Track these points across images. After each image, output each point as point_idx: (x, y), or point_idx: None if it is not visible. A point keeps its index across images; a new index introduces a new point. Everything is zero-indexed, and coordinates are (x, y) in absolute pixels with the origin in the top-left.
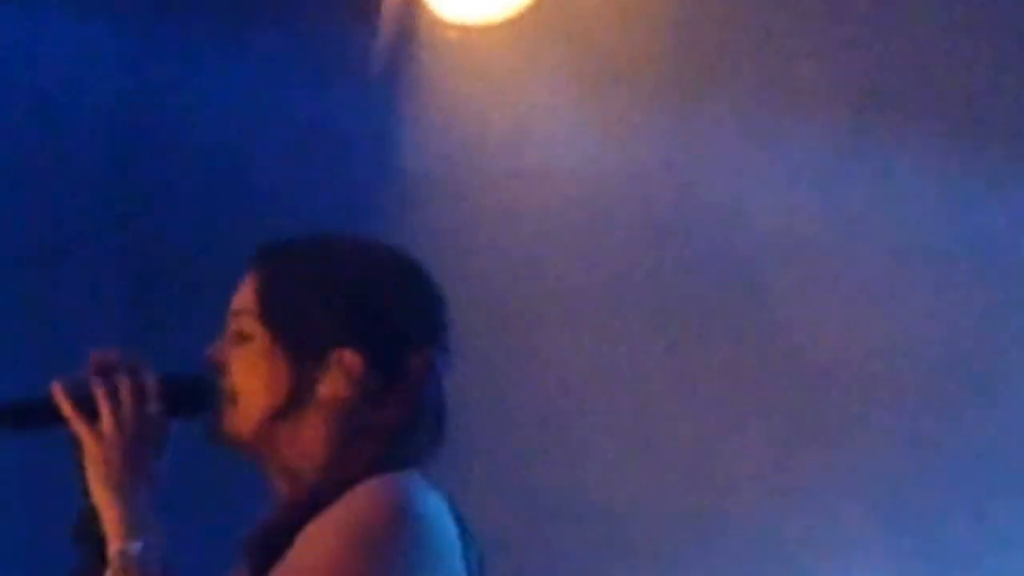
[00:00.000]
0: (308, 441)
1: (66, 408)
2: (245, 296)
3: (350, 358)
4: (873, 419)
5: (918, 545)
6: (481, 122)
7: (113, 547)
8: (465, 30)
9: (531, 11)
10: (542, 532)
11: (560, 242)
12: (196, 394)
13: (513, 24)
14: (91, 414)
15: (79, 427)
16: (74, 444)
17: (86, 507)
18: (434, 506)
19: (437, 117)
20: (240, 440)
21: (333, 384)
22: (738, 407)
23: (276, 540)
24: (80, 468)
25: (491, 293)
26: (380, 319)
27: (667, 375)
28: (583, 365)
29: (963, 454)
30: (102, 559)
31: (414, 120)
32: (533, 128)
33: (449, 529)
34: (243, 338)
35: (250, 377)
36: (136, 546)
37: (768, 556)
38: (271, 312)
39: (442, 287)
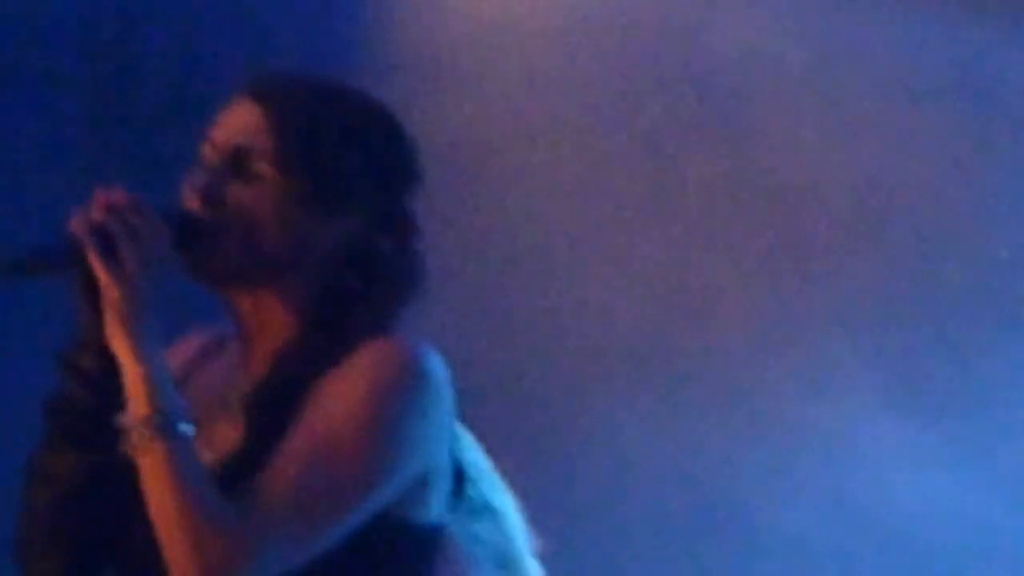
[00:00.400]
0: (306, 293)
1: (91, 249)
2: (250, 131)
3: (359, 214)
4: (858, 254)
5: (904, 383)
6: None
7: (139, 408)
8: None
9: None
10: (519, 356)
11: (539, 65)
12: (193, 230)
13: None
14: (113, 256)
15: (104, 268)
16: (80, 285)
17: (82, 338)
18: (442, 370)
19: None
20: (231, 279)
21: (334, 233)
22: (722, 241)
23: (275, 396)
24: (83, 313)
25: (472, 121)
26: (387, 171)
27: (649, 205)
28: (564, 189)
29: (950, 290)
30: (90, 392)
31: None
32: None
33: (450, 393)
34: (251, 177)
35: (256, 219)
36: (164, 410)
37: (750, 392)
38: (291, 158)
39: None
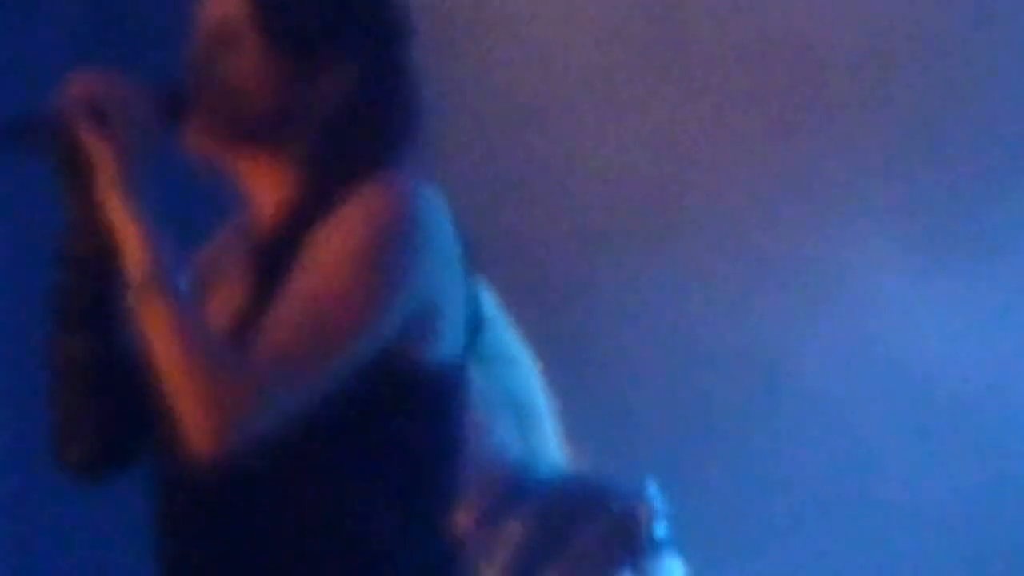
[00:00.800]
0: (300, 147)
1: (80, 115)
2: (228, 1)
3: (346, 57)
4: (870, 99)
5: (924, 229)
6: None
7: (139, 267)
8: None
9: None
10: (524, 212)
11: None
12: (180, 102)
13: None
14: (103, 123)
15: (94, 133)
16: (65, 165)
17: (70, 225)
18: (439, 207)
19: None
20: (228, 147)
21: (328, 86)
22: (731, 94)
23: (282, 244)
24: (69, 194)
25: None
26: (369, 18)
27: (656, 59)
28: (571, 44)
29: (963, 134)
30: (87, 276)
31: None
32: None
33: (451, 229)
34: (234, 43)
35: (243, 80)
36: (163, 264)
37: (768, 243)
38: (265, 15)
39: None
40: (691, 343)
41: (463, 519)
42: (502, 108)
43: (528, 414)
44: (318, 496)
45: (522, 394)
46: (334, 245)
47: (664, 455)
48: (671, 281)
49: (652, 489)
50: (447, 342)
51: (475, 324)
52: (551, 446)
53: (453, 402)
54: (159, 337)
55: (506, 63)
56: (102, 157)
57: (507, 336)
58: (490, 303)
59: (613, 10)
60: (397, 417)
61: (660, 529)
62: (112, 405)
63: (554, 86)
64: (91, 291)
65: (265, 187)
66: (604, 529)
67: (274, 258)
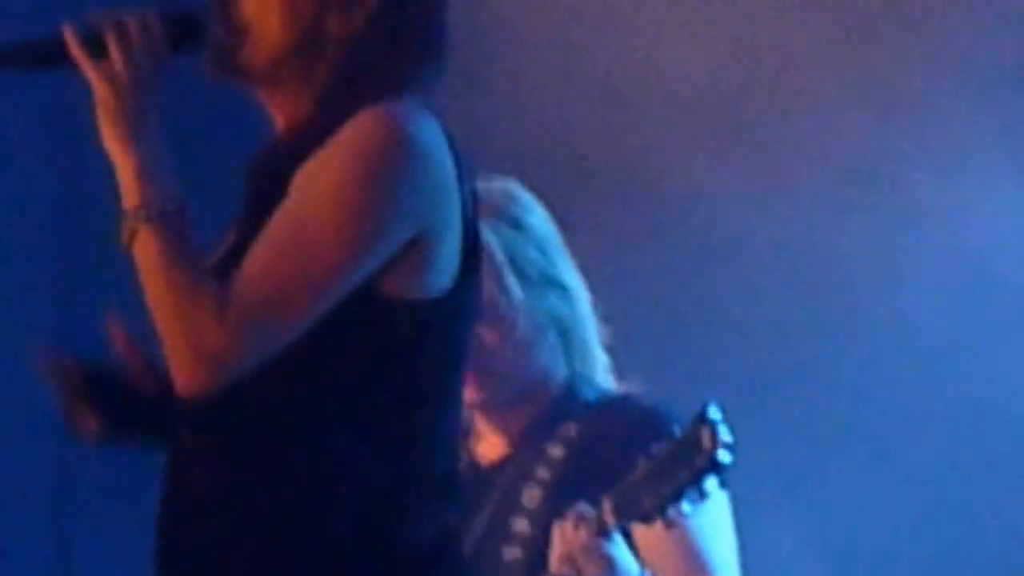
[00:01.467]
0: (316, 75)
1: (75, 48)
2: None
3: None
4: (961, 19)
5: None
6: None
7: (131, 200)
8: None
9: None
10: (584, 116)
11: None
12: (197, 28)
13: None
14: (101, 55)
15: (88, 67)
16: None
17: None
18: (435, 134)
19: None
20: (250, 71)
21: (346, 19)
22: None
23: (276, 171)
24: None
25: None
26: None
27: None
28: None
29: None
30: None
31: None
32: None
33: (446, 155)
34: None
35: (265, 9)
36: (155, 196)
37: (853, 162)
38: None
39: None
40: (771, 265)
41: (504, 438)
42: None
43: (575, 339)
44: (303, 429)
45: (570, 320)
46: (321, 171)
47: (736, 380)
48: (745, 193)
49: (715, 414)
50: (439, 270)
51: (473, 250)
52: (598, 372)
53: (433, 344)
54: (148, 270)
55: None
56: (99, 92)
57: (560, 262)
58: (546, 226)
59: None
60: (383, 350)
61: (724, 455)
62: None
63: None
64: None
65: (293, 115)
66: (667, 451)
67: (268, 184)
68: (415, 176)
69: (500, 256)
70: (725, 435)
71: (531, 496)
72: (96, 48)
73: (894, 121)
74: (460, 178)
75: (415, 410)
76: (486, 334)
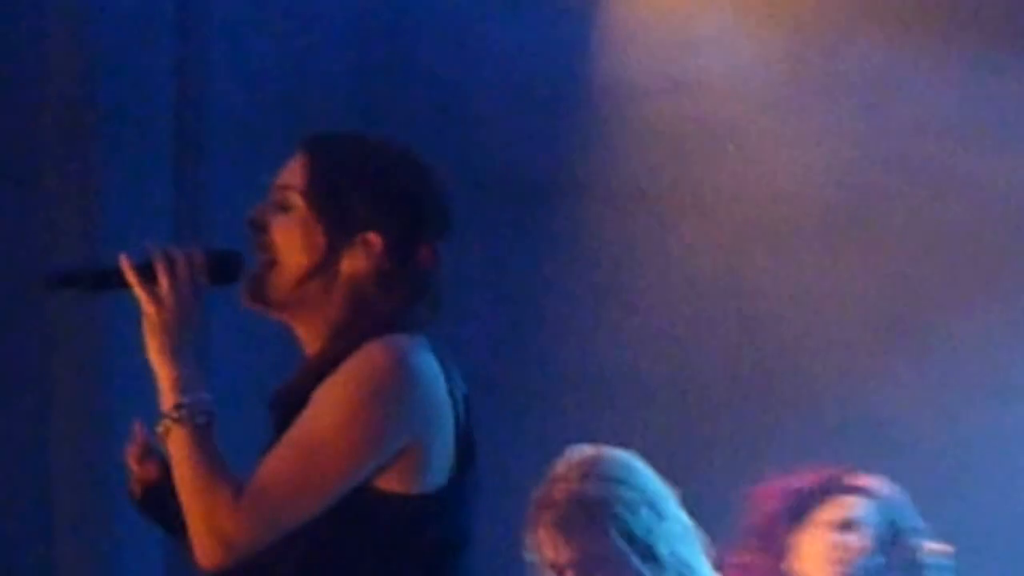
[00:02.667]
0: (329, 306)
1: (130, 275)
2: (293, 173)
3: (373, 240)
4: None
5: None
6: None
7: (167, 403)
8: None
9: None
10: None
11: None
12: (233, 265)
13: None
14: (151, 281)
15: (140, 290)
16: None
17: None
18: (426, 361)
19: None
20: (275, 299)
21: (355, 260)
22: None
23: (297, 393)
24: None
25: None
26: (402, 213)
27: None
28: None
29: None
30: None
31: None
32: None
33: (438, 378)
34: (286, 207)
35: (287, 241)
36: (187, 401)
37: None
38: (315, 190)
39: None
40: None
41: None
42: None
43: None
44: None
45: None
46: (328, 398)
47: None
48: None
49: None
50: (433, 470)
51: (464, 461)
52: None
53: (434, 529)
54: (177, 461)
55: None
56: (147, 312)
57: (691, 547)
58: (679, 514)
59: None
60: (380, 543)
61: None
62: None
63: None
64: None
65: (310, 340)
66: None
67: (291, 402)
68: (408, 397)
69: (613, 515)
70: None
71: None
72: (148, 274)
73: None
74: (452, 394)
75: None
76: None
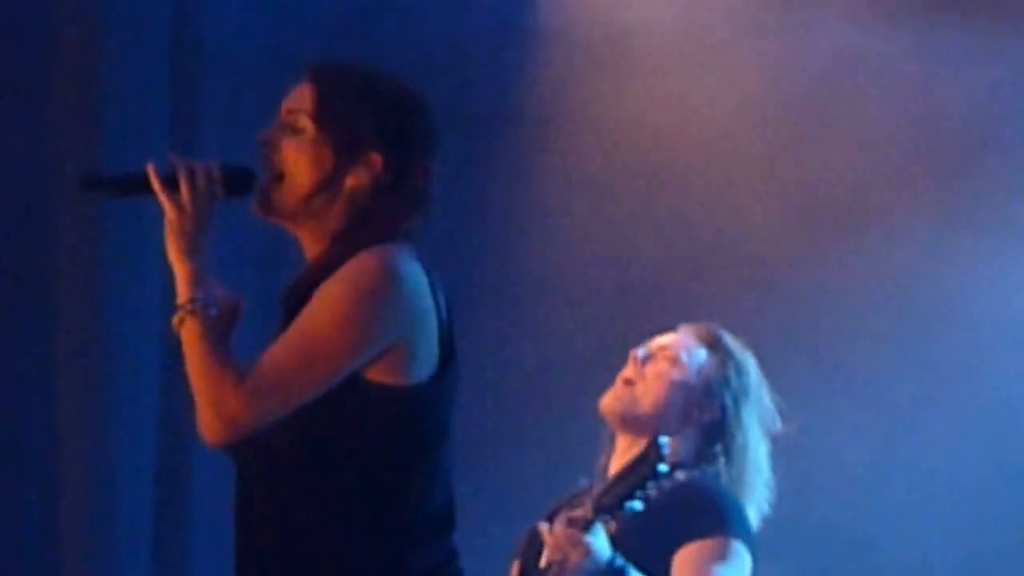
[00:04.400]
0: (331, 217)
1: (155, 182)
2: (302, 98)
3: (374, 158)
4: None
5: None
6: None
7: (182, 296)
8: None
9: None
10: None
11: None
12: (247, 179)
13: None
14: (174, 189)
15: (163, 197)
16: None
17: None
18: (413, 268)
19: None
20: (283, 211)
21: (358, 177)
22: None
23: (300, 292)
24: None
25: None
26: (400, 135)
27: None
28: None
29: None
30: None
31: None
32: None
33: (423, 284)
34: (296, 130)
35: (298, 160)
36: (200, 295)
37: None
38: (325, 114)
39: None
40: None
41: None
42: None
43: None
44: (303, 491)
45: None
46: (325, 297)
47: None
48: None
49: (662, 440)
50: (418, 365)
51: (447, 358)
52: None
53: (418, 417)
54: (189, 348)
55: None
56: (168, 216)
57: (747, 411)
58: (756, 378)
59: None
60: (369, 426)
61: (661, 467)
62: None
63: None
64: None
65: (308, 245)
66: (629, 466)
67: (297, 300)
68: (396, 299)
69: (725, 355)
70: (663, 454)
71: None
72: (171, 183)
73: None
74: (435, 298)
75: (412, 467)
76: (662, 362)
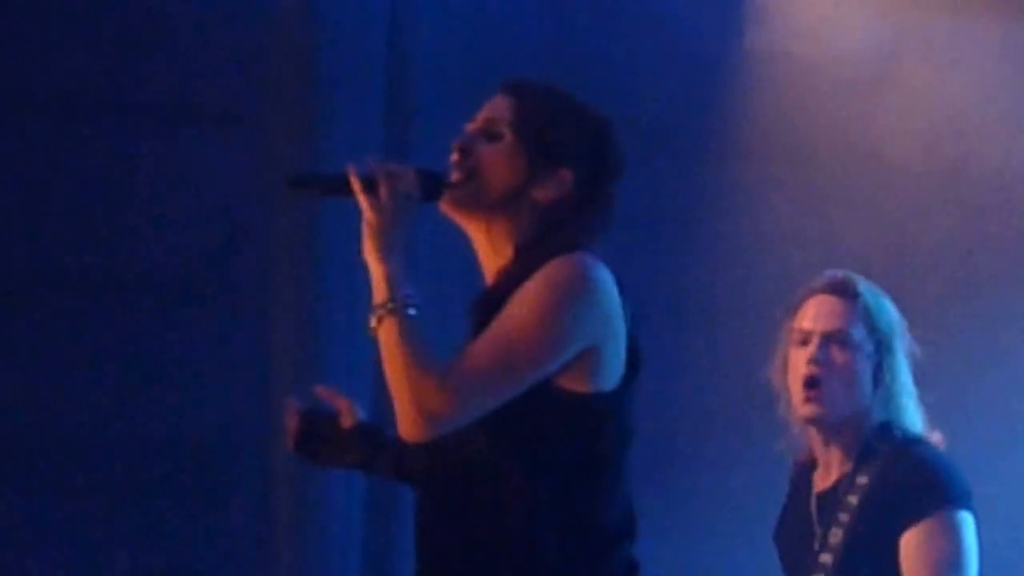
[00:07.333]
0: (518, 227)
1: (356, 183)
2: (501, 108)
3: (565, 175)
4: None
5: None
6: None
7: (379, 297)
8: None
9: None
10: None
11: None
12: (441, 184)
13: None
14: (373, 191)
15: (363, 198)
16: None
17: None
18: (605, 277)
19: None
20: (474, 211)
21: (546, 190)
22: None
23: (491, 302)
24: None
25: None
26: (592, 156)
27: None
28: None
29: None
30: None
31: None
32: None
33: (614, 292)
34: (494, 136)
35: (493, 164)
36: (398, 296)
37: None
38: (525, 125)
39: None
40: None
41: (831, 465)
42: None
43: (893, 394)
44: (496, 492)
45: (891, 380)
46: (524, 299)
47: None
48: None
49: None
50: (605, 377)
51: (634, 366)
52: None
53: (606, 423)
54: (388, 348)
55: None
56: (366, 217)
57: (898, 340)
58: (897, 317)
59: None
60: (559, 435)
61: None
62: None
63: None
64: None
65: (496, 251)
66: None
67: (487, 307)
68: (590, 305)
69: (865, 304)
70: None
71: (844, 516)
72: (370, 185)
73: None
74: (624, 307)
75: (596, 473)
76: (837, 354)
